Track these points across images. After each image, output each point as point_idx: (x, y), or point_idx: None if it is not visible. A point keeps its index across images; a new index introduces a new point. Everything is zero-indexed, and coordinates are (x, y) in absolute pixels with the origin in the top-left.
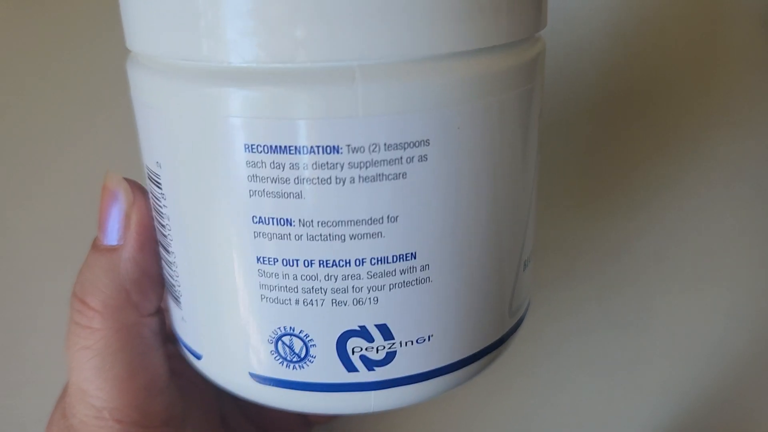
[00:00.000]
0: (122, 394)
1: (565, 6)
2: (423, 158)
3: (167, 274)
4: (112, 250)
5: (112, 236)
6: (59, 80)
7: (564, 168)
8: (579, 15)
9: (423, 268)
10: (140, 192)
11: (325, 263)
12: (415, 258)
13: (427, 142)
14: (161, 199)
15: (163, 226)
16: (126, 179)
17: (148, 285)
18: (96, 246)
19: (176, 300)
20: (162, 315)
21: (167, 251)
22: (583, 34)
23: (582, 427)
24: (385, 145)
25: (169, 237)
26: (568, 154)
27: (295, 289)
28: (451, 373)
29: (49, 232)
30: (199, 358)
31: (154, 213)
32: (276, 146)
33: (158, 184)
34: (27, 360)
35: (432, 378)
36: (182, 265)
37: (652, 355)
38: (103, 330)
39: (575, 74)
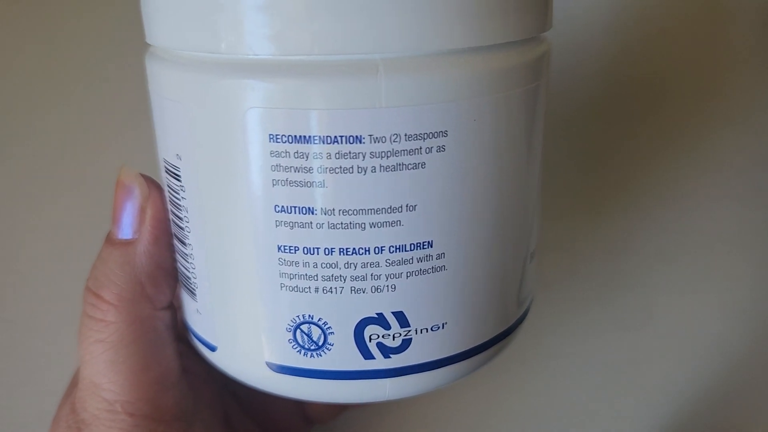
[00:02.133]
0: (135, 387)
1: (565, 6)
2: (441, 149)
3: (182, 267)
4: (127, 243)
5: (127, 230)
6: (65, 78)
7: (564, 168)
8: (579, 16)
9: (439, 257)
10: (155, 186)
11: (345, 251)
12: (431, 246)
13: (445, 133)
14: (180, 191)
15: (180, 218)
16: (141, 174)
17: (162, 278)
18: (110, 240)
19: (191, 292)
20: (174, 309)
21: (183, 243)
22: (584, 35)
23: (582, 427)
24: (405, 135)
25: (186, 229)
26: (568, 155)
27: (315, 277)
28: (463, 362)
29: (50, 232)
30: (213, 350)
31: (170, 206)
32: (300, 136)
33: (177, 177)
34: (27, 360)
35: (444, 366)
36: (200, 256)
37: (653, 354)
38: (117, 323)
39: (576, 75)
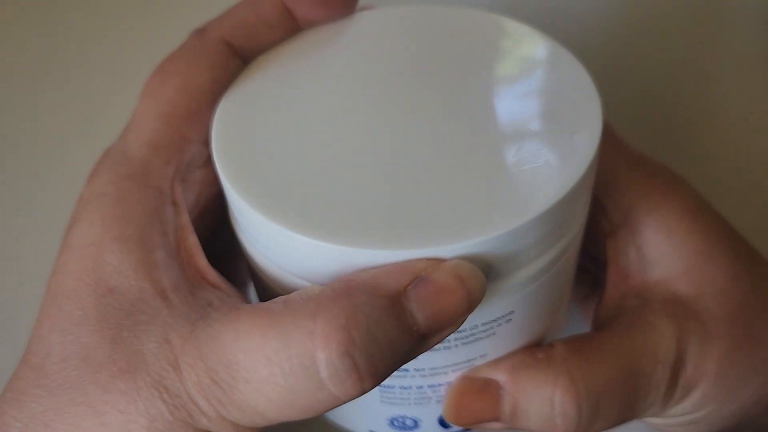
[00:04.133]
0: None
1: (566, 6)
2: (508, 321)
3: None
4: None
5: None
6: (61, 79)
7: None
8: (578, 15)
9: None
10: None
11: (432, 387)
12: None
13: (512, 312)
14: None
15: None
16: None
17: None
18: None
19: None
20: None
21: None
22: (583, 34)
23: None
24: (482, 323)
25: None
26: None
27: (409, 399)
28: None
29: (49, 232)
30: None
31: None
32: None
33: None
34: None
35: None
36: None
37: None
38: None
39: None
